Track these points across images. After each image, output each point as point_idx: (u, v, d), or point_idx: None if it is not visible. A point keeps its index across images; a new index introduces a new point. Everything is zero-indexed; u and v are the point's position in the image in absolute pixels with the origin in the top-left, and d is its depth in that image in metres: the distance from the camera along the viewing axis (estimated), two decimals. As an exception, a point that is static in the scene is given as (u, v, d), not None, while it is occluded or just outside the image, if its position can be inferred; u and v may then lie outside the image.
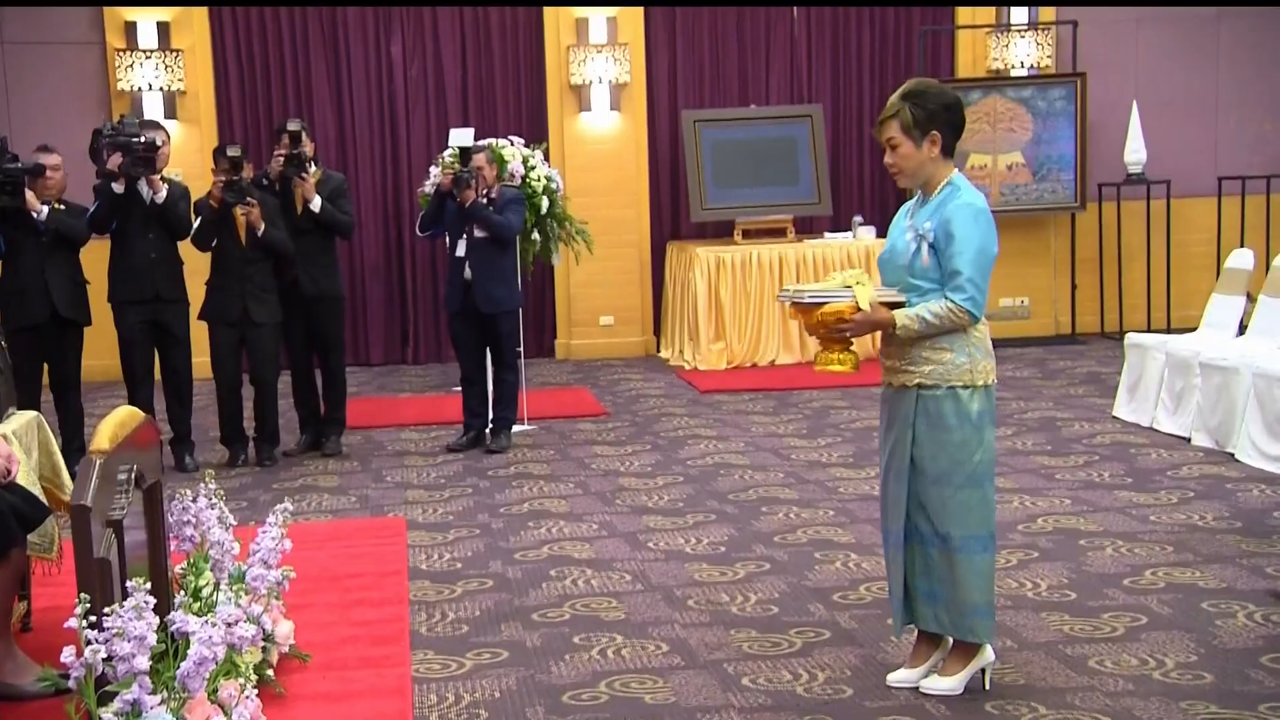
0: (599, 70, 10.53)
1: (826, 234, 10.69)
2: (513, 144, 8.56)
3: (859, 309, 3.73)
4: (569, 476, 6.84)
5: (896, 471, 3.84)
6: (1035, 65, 10.90)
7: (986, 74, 11.00)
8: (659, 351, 10.99)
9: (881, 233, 10.88)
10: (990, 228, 3.76)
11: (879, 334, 3.87)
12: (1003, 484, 6.32)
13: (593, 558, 5.39)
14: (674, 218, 11.19)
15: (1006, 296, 10.95)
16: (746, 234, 10.50)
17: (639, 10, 10.78)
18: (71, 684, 2.97)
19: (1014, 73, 10.89)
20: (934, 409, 3.76)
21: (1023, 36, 10.88)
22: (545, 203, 8.57)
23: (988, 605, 3.81)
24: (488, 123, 10.58)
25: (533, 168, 8.54)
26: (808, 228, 10.98)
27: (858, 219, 10.69)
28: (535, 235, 8.76)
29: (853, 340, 3.86)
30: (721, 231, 10.80)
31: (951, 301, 3.70)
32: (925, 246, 3.75)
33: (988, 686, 3.87)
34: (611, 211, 10.61)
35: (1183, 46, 11.12)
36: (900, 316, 3.74)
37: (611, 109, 10.69)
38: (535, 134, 10.28)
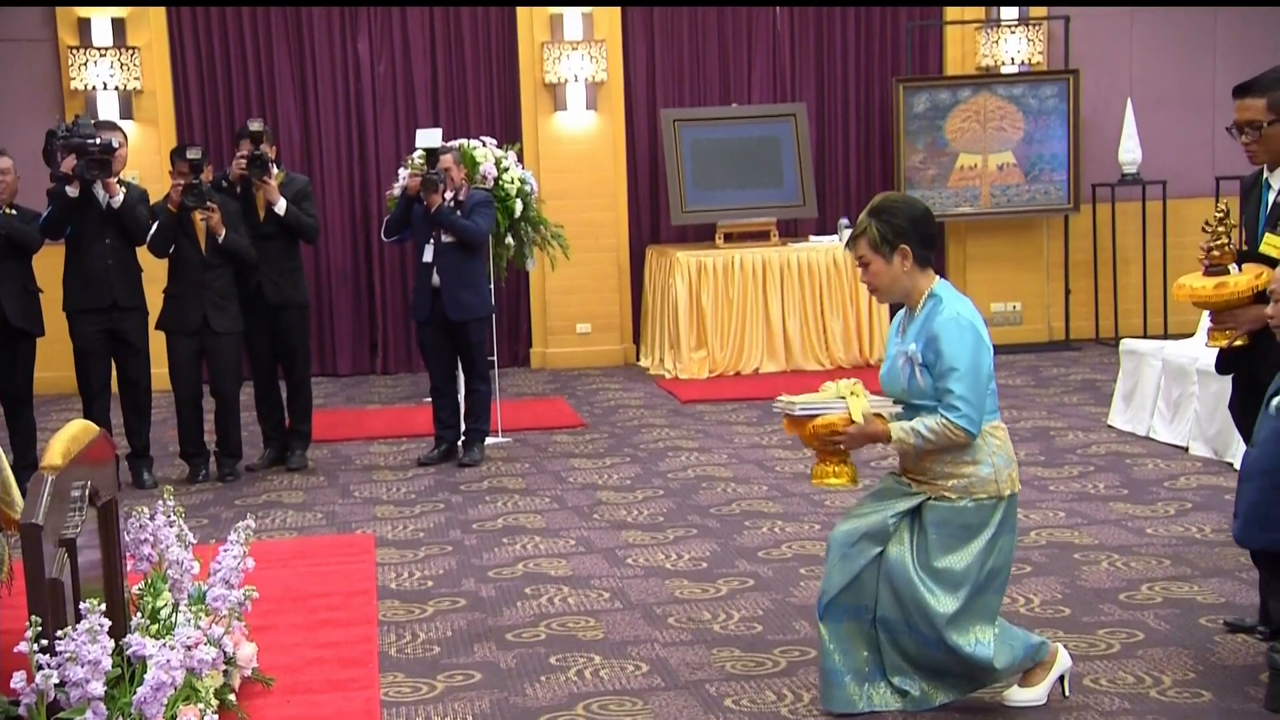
0: (575, 68, 10.54)
1: (812, 237, 10.72)
2: (485, 145, 8.55)
3: (852, 421, 3.82)
4: (545, 490, 6.84)
5: (865, 551, 3.82)
6: (1026, 62, 10.96)
7: (976, 71, 11.06)
8: (638, 360, 11.00)
9: (868, 236, 10.90)
10: (979, 339, 3.79)
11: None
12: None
13: (570, 575, 5.38)
14: (653, 221, 11.20)
15: (998, 301, 11.01)
16: (729, 237, 10.53)
17: (616, 7, 10.79)
18: (22, 711, 2.96)
19: (1004, 70, 10.95)
20: (953, 519, 3.78)
21: (1013, 32, 10.94)
22: (519, 206, 8.56)
23: (997, 649, 3.82)
24: (459, 123, 10.57)
25: (505, 169, 8.53)
26: (792, 231, 11.02)
27: (843, 222, 10.71)
28: (509, 240, 8.75)
29: (848, 453, 3.96)
30: (703, 235, 10.82)
31: (947, 420, 3.73)
32: (917, 368, 3.82)
33: (1067, 694, 3.94)
34: (588, 214, 10.62)
35: (1178, 42, 11.20)
36: (896, 430, 3.81)
37: (588, 108, 10.70)
38: (508, 134, 10.28)
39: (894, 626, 3.80)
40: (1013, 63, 10.94)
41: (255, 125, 7.38)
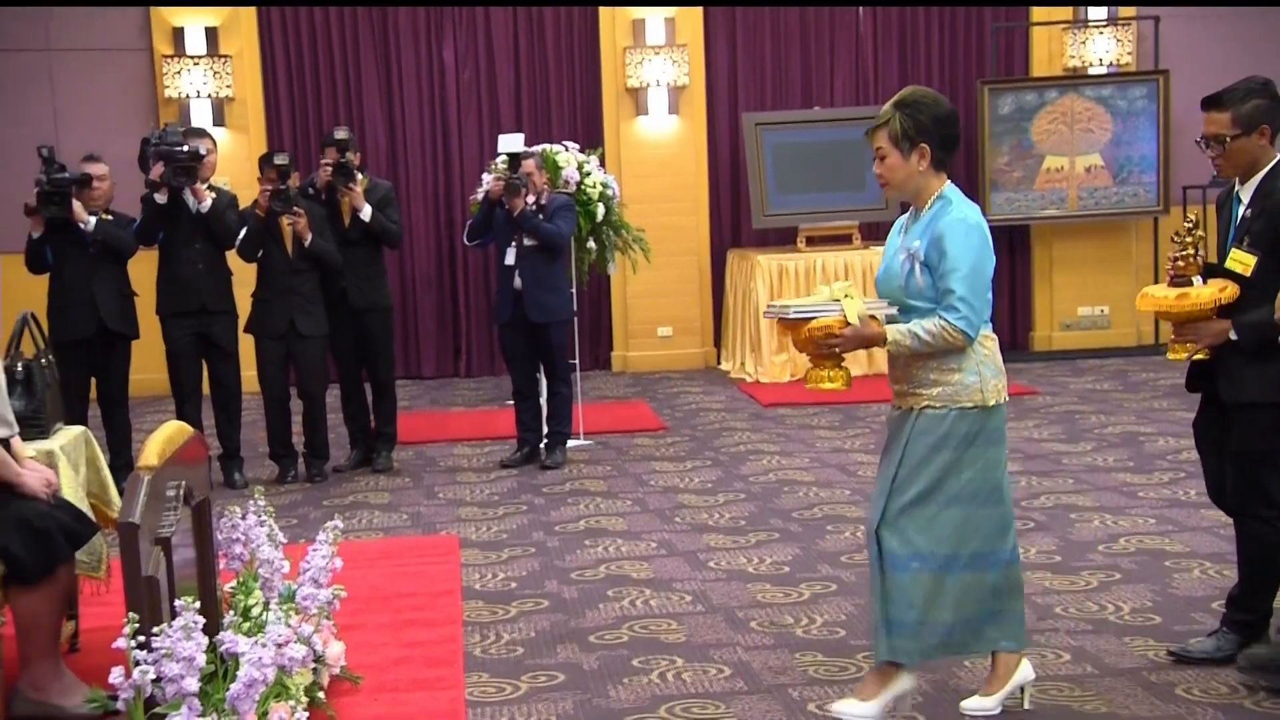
0: (656, 72, 10.56)
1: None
2: (567, 149, 8.59)
3: (848, 323, 3.71)
4: (627, 493, 6.85)
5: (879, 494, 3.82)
6: (1115, 63, 10.79)
7: (1063, 72, 10.91)
8: (719, 364, 10.99)
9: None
10: (985, 242, 3.72)
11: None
12: (1082, 502, 6.26)
13: (651, 577, 5.39)
14: (735, 225, 11.18)
15: (1085, 305, 10.83)
16: (810, 241, 10.48)
17: (698, 10, 10.79)
18: (120, 705, 3.01)
19: (1092, 70, 10.79)
20: (935, 427, 3.71)
21: (1101, 33, 10.78)
22: (601, 210, 8.60)
23: (999, 613, 3.80)
24: (541, 127, 10.64)
25: (588, 174, 8.58)
26: (875, 234, 10.92)
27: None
28: (590, 244, 8.79)
29: (844, 356, 3.84)
30: (784, 239, 10.78)
31: (945, 321, 3.65)
32: (918, 266, 3.73)
33: (1027, 705, 3.88)
34: (670, 219, 10.63)
35: (1270, 41, 10.94)
36: (892, 332, 3.71)
37: (670, 112, 10.71)
38: (590, 139, 10.32)
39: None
40: (1100, 63, 10.79)
41: (341, 133, 7.49)
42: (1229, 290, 4.01)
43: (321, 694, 3.91)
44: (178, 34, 10.30)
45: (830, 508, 6.39)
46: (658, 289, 10.72)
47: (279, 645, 3.29)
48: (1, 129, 10.04)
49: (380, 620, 4.86)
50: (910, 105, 3.74)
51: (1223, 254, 4.16)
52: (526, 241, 7.33)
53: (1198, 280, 4.09)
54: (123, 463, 6.76)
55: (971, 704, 3.86)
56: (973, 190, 11.18)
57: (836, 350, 3.78)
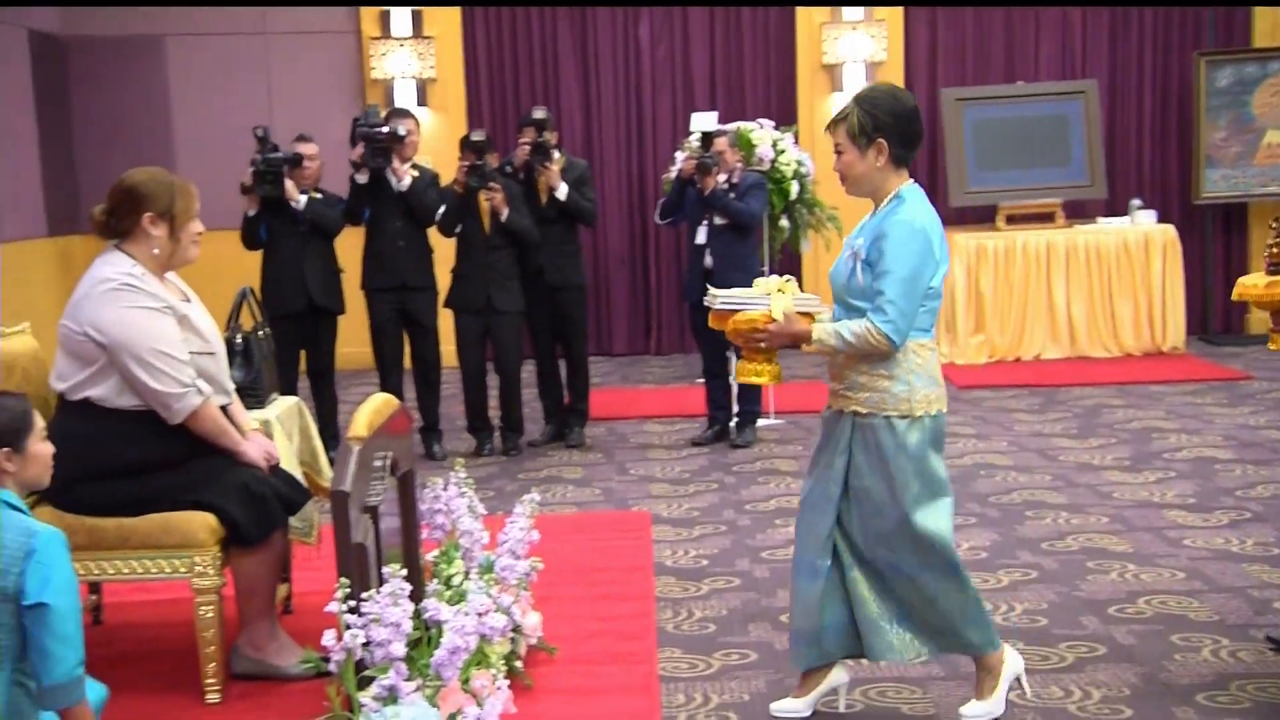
0: (853, 48, 10.42)
1: (1100, 219, 10.28)
2: (761, 127, 8.55)
3: (773, 319, 3.65)
4: (819, 474, 6.80)
5: (820, 498, 3.72)
6: (1345, 31, 10.22)
7: (1287, 42, 10.37)
8: (913, 344, 10.79)
9: (1164, 216, 10.41)
10: (927, 248, 3.55)
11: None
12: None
13: (845, 560, 5.33)
14: (931, 203, 10.93)
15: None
16: (1011, 219, 10.21)
17: (897, -17, 10.61)
18: (332, 667, 3.13)
19: (1320, 40, 10.23)
20: (871, 439, 3.62)
21: (1329, -1, 10.20)
22: (794, 188, 8.52)
23: (969, 617, 3.69)
24: (735, 105, 10.61)
25: (782, 151, 8.51)
26: (1079, 212, 10.59)
27: (1136, 202, 10.25)
28: (783, 222, 8.73)
29: (774, 351, 3.77)
30: (983, 217, 10.53)
31: (871, 324, 3.53)
32: (859, 264, 3.61)
33: (1029, 694, 3.77)
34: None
35: None
36: (817, 330, 3.63)
37: (866, 88, 10.55)
38: (785, 116, 10.24)
39: (854, 565, 3.70)
40: (1329, 32, 10.22)
41: (539, 113, 7.59)
42: None
43: (519, 663, 3.99)
44: (384, 17, 10.59)
45: (1030, 493, 6.23)
46: (851, 268, 10.57)
47: (480, 614, 3.37)
48: (220, 111, 10.49)
49: (575, 593, 4.93)
50: (868, 100, 3.64)
51: None
52: (717, 220, 7.32)
53: None
54: (330, 433, 7.00)
55: (970, 709, 3.74)
56: (1185, 167, 10.74)
57: (762, 345, 3.74)
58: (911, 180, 3.71)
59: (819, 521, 3.72)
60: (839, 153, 3.69)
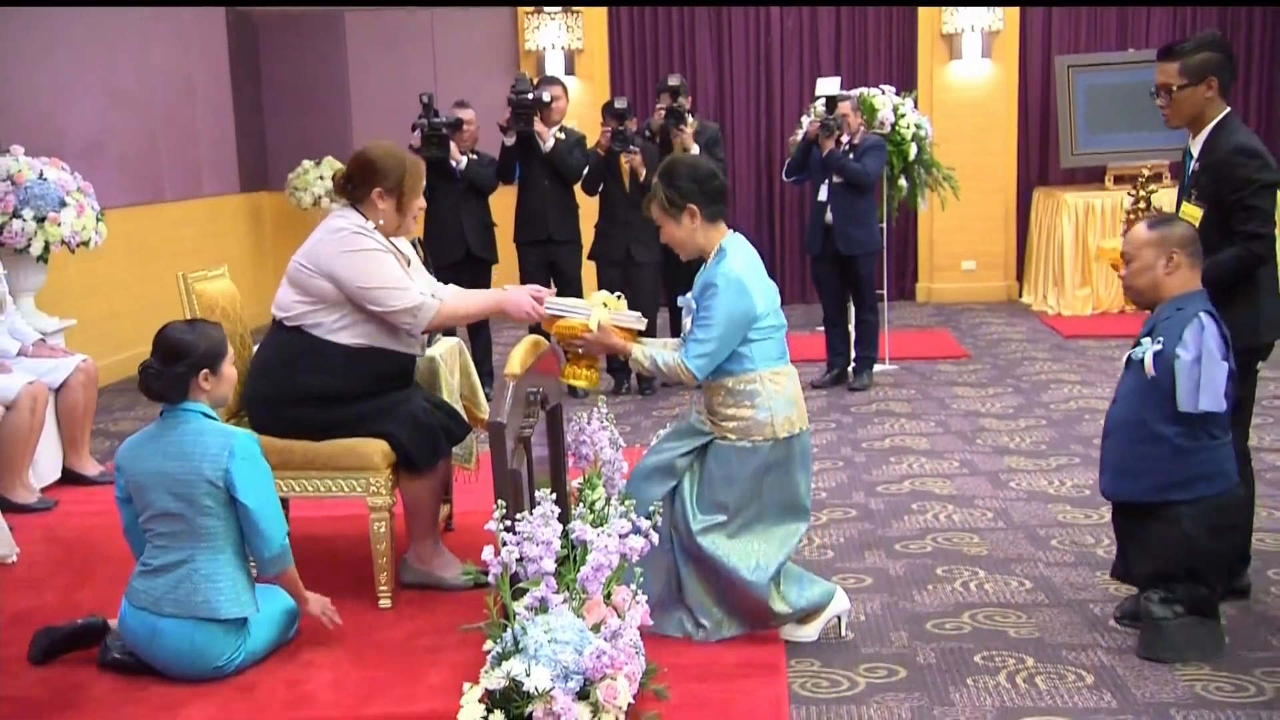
0: (972, 18, 10.13)
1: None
2: (883, 93, 8.38)
3: (589, 329, 3.67)
4: (929, 415, 6.72)
5: (658, 483, 3.71)
6: None
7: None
8: (1021, 297, 10.56)
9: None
10: (740, 295, 3.61)
11: None
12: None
13: (954, 494, 5.28)
14: (1042, 164, 10.67)
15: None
16: (1119, 180, 9.88)
17: (1015, -44, 10.27)
18: (490, 579, 3.19)
19: None
20: (732, 458, 3.63)
21: None
22: (913, 149, 8.35)
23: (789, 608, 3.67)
24: (858, 72, 10.42)
25: (902, 115, 8.33)
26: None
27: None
28: (902, 181, 8.57)
29: (595, 358, 3.82)
30: (1091, 177, 10.22)
31: (682, 361, 3.64)
32: (692, 316, 3.70)
33: (844, 633, 3.77)
34: (978, 158, 10.24)
35: None
36: (636, 350, 3.72)
37: (983, 56, 10.28)
38: (905, 82, 10.05)
39: (685, 558, 3.67)
40: None
41: (674, 80, 7.54)
42: None
43: (655, 580, 4.01)
44: (536, -9, 10.61)
45: (1131, 437, 6.05)
46: (964, 224, 10.37)
47: (621, 536, 3.41)
48: (391, 79, 10.65)
49: (705, 519, 4.94)
50: (669, 174, 3.71)
51: (1179, 207, 3.88)
52: (837, 179, 7.24)
53: None
54: (485, 371, 7.11)
55: (790, 632, 3.75)
56: (1272, 129, 10.26)
57: (580, 351, 3.79)
58: (731, 231, 3.79)
59: (652, 491, 3.73)
60: (659, 227, 3.79)
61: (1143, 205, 3.90)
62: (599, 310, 3.81)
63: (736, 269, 3.67)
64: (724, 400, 3.70)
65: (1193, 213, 3.80)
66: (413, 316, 3.91)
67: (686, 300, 3.78)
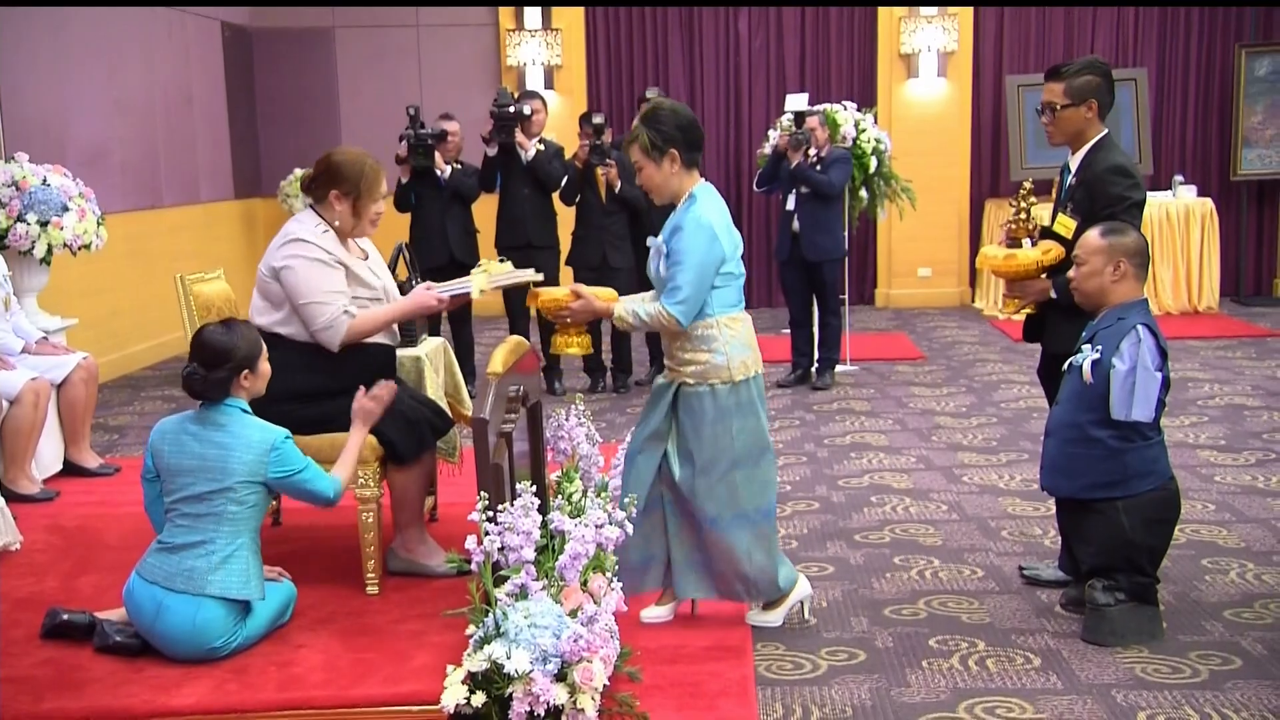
0: (928, 39, 10.18)
1: (1148, 193, 9.96)
2: (845, 109, 8.41)
3: (579, 297, 3.68)
4: (888, 413, 6.74)
5: (650, 452, 3.69)
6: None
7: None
8: (973, 302, 10.62)
9: (1203, 191, 10.10)
10: (712, 239, 3.54)
11: None
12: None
13: (911, 488, 5.30)
14: (994, 176, 10.73)
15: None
16: (1064, 192, 9.94)
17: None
18: (473, 567, 3.18)
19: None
20: (695, 405, 3.61)
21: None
22: (874, 162, 8.39)
23: (762, 569, 3.66)
24: (821, 89, 10.45)
25: (863, 130, 8.37)
26: (1126, 187, 10.26)
27: (1178, 178, 9.93)
28: (862, 192, 8.60)
29: (583, 324, 3.80)
30: (1040, 190, 10.21)
31: (663, 307, 3.57)
32: (661, 258, 3.61)
33: (807, 617, 3.78)
34: (934, 171, 10.29)
35: None
36: (618, 309, 3.67)
37: (939, 75, 10.32)
38: (866, 99, 10.08)
39: (672, 510, 3.67)
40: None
41: (651, 93, 7.50)
42: (1053, 252, 3.79)
43: (629, 569, 4.00)
44: (518, 12, 10.58)
45: (1076, 434, 6.09)
46: (920, 234, 10.41)
47: (597, 526, 3.40)
48: (379, 92, 10.60)
49: (676, 510, 4.93)
50: (653, 119, 3.63)
51: (1054, 219, 3.90)
52: (804, 190, 7.26)
53: (1027, 242, 3.90)
54: (467, 370, 7.08)
55: (755, 617, 3.76)
56: (1225, 147, 10.37)
57: (568, 320, 3.76)
58: (703, 180, 3.73)
59: (645, 468, 3.71)
60: (639, 169, 3.71)
61: (1023, 217, 3.92)
62: (479, 277, 3.84)
63: (708, 214, 3.61)
64: (682, 345, 3.67)
65: (1067, 224, 3.83)
66: (325, 333, 3.88)
67: (656, 243, 3.73)
